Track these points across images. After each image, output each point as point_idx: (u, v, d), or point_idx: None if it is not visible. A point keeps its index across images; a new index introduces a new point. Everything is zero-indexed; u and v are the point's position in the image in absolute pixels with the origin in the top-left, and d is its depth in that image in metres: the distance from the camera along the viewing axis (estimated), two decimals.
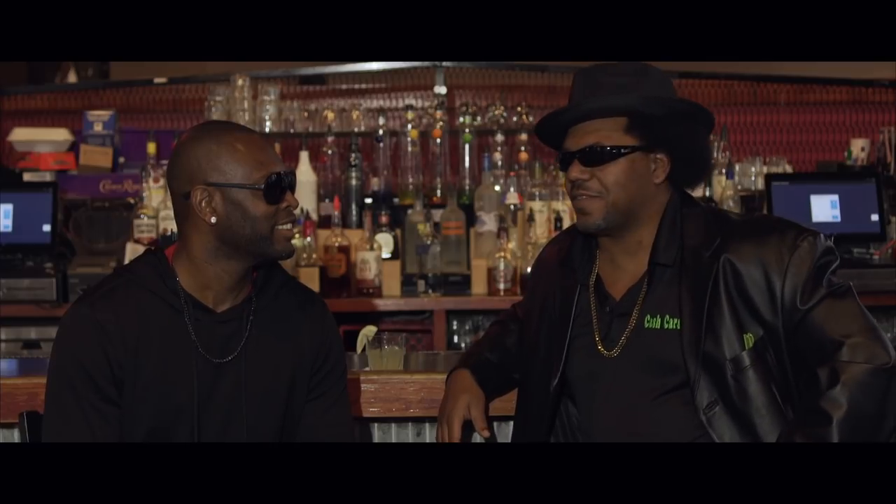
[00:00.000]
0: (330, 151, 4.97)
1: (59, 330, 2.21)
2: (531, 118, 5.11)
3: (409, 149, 4.95)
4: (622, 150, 2.29)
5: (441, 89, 5.20)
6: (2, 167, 5.17)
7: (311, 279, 4.38)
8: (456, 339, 4.65)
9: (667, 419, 2.25)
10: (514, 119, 5.16)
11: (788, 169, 5.02)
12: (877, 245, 4.46)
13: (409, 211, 4.79)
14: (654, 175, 2.32)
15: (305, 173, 4.69)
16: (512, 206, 4.65)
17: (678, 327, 2.26)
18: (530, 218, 4.53)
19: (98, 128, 5.03)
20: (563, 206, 4.53)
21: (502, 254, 4.48)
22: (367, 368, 2.75)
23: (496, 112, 5.18)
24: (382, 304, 4.46)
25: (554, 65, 5.37)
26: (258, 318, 2.27)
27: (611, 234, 2.35)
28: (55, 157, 4.92)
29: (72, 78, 7.20)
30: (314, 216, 4.67)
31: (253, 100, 5.09)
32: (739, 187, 4.78)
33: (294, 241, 3.60)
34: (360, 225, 4.68)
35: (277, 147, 4.71)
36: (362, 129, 5.10)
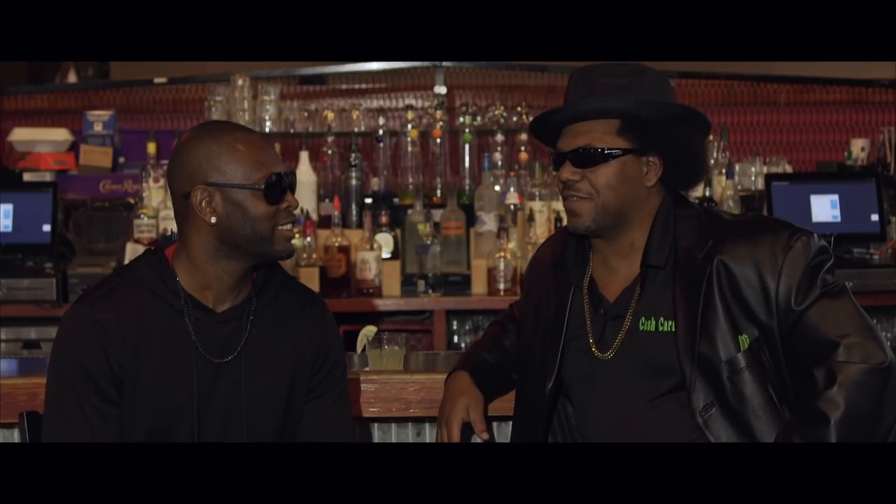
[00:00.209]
0: (330, 151, 4.97)
1: (59, 330, 2.21)
2: (531, 118, 5.08)
3: (409, 149, 4.95)
4: (613, 153, 2.28)
5: (441, 89, 5.20)
6: (2, 167, 5.16)
7: (311, 279, 4.37)
8: (456, 339, 4.64)
9: (663, 421, 2.24)
10: (514, 119, 5.15)
11: (788, 169, 5.02)
12: (877, 245, 4.46)
13: (409, 211, 4.79)
14: (646, 178, 2.30)
15: (305, 173, 4.69)
16: (512, 206, 4.65)
17: (673, 329, 2.25)
18: (530, 218, 4.53)
19: (98, 128, 5.03)
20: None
21: (502, 254, 4.48)
22: (367, 368, 2.75)
23: (496, 112, 5.17)
24: (382, 304, 4.46)
25: (554, 65, 5.37)
26: (258, 318, 2.27)
27: (602, 236, 2.34)
28: (55, 157, 4.92)
29: (72, 78, 7.19)
30: (314, 216, 4.66)
31: (253, 100, 5.08)
32: (739, 187, 4.78)
33: (294, 241, 3.60)
34: (360, 225, 4.68)
35: (277, 147, 4.70)
36: (362, 129, 5.10)
